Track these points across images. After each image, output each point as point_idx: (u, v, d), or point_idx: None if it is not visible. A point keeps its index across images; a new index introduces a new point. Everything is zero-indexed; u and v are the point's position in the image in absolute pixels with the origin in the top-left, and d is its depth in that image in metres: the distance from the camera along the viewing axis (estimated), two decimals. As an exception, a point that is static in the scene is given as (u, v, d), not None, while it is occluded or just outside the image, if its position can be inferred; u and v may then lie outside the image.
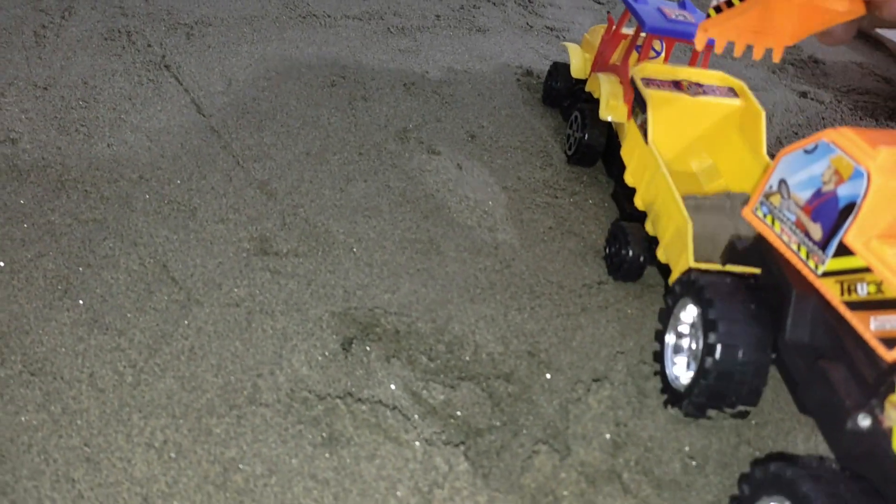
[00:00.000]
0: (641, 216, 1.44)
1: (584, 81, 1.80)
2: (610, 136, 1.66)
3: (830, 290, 0.90)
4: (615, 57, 1.71)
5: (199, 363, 1.08)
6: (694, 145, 1.57)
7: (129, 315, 1.14)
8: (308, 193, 1.46)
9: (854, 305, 0.88)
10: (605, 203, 1.61)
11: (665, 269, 1.34)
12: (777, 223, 0.99)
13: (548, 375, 1.18)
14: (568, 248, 1.46)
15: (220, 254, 1.28)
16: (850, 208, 0.87)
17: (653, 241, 1.38)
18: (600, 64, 1.75)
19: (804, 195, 0.94)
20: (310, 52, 1.96)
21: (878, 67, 2.58)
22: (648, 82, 1.52)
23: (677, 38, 1.56)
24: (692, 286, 1.09)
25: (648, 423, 1.11)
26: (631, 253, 1.37)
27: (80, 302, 1.14)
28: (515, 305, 1.30)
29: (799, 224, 0.95)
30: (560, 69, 1.88)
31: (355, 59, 1.97)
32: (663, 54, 1.72)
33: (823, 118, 2.16)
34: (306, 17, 2.13)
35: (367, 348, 1.17)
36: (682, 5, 1.65)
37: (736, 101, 1.51)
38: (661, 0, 1.66)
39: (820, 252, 0.91)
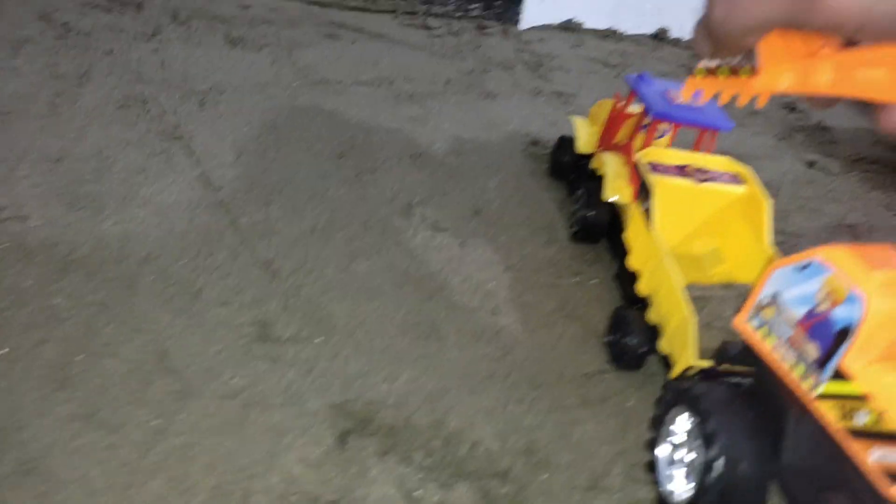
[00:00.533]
0: (645, 299, 1.43)
1: (589, 156, 1.80)
2: (614, 215, 1.66)
3: (828, 415, 0.89)
4: (621, 136, 1.72)
5: (192, 463, 1.08)
6: (698, 231, 1.56)
7: (125, 408, 1.14)
8: (312, 272, 1.47)
9: (854, 432, 0.86)
10: (608, 284, 1.60)
11: (667, 360, 1.33)
12: (771, 337, 0.98)
13: (545, 476, 1.16)
14: (569, 333, 1.46)
15: (221, 340, 1.29)
16: (846, 332, 0.86)
17: (655, 330, 1.37)
18: (606, 141, 1.75)
19: (798, 312, 0.93)
20: (320, 120, 1.99)
21: (888, 136, 2.57)
22: (654, 167, 1.52)
23: (683, 124, 1.57)
24: (685, 395, 1.08)
25: (645, 534, 1.09)
26: (633, 342, 1.36)
27: (78, 394, 1.15)
28: (515, 397, 1.29)
29: (794, 342, 0.93)
30: (567, 142, 1.88)
31: (364, 128, 1.99)
32: (669, 134, 1.72)
33: (831, 190, 2.15)
34: (318, 84, 2.16)
35: (363, 443, 1.17)
36: (689, 88, 1.65)
37: (741, 189, 1.51)
38: (666, 82, 1.67)
39: (816, 373, 0.90)
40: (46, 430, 1.08)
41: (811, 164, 2.25)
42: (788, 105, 2.59)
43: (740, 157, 2.20)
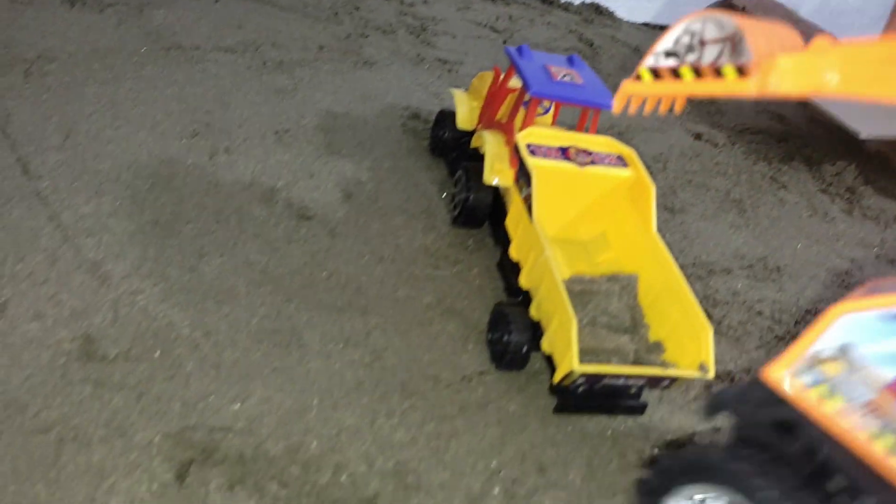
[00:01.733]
0: (528, 292, 1.32)
1: (471, 133, 1.67)
2: (497, 198, 1.54)
3: None
4: (502, 113, 1.59)
5: (-14, 521, 0.89)
6: (582, 215, 1.47)
7: None
8: (151, 275, 1.27)
9: None
10: (490, 273, 1.49)
11: (550, 361, 1.23)
12: (835, 399, 0.76)
13: (416, 500, 1.04)
14: (447, 331, 1.34)
15: (32, 363, 1.08)
16: None
17: (538, 327, 1.27)
18: (487, 117, 1.63)
19: (886, 372, 0.72)
20: (170, 93, 1.76)
21: (771, 104, 2.58)
22: (534, 150, 1.40)
23: (564, 103, 1.46)
24: (710, 469, 0.85)
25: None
26: (515, 340, 1.26)
27: None
28: (384, 410, 1.16)
29: (876, 407, 0.73)
30: (448, 117, 1.74)
31: (223, 102, 1.78)
32: (552, 111, 1.61)
33: (717, 163, 2.12)
34: (170, 50, 1.92)
35: (207, 476, 1.01)
36: (570, 61, 1.55)
37: (625, 172, 1.42)
38: (548, 55, 1.55)
39: None
40: None
41: (698, 137, 2.21)
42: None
43: (628, 129, 2.14)
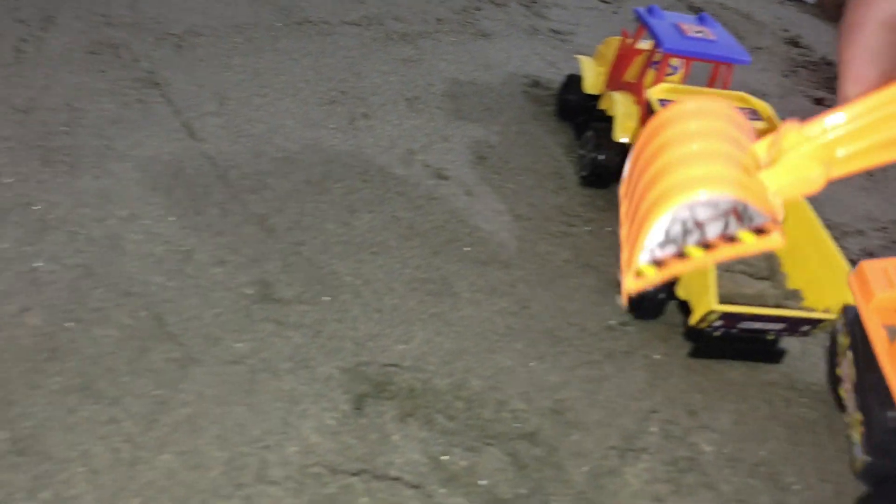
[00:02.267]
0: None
1: (598, 97, 1.71)
2: (625, 157, 1.57)
3: None
4: (630, 74, 1.62)
5: (201, 435, 1.00)
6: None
7: (122, 379, 1.05)
8: (310, 229, 1.37)
9: None
10: (622, 231, 1.53)
11: (685, 307, 1.26)
12: None
13: (575, 436, 1.10)
14: (587, 284, 1.39)
15: (220, 302, 1.19)
16: None
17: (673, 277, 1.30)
18: (615, 80, 1.66)
19: None
20: (306, 63, 1.86)
21: None
22: (666, 105, 1.43)
23: (696, 58, 1.47)
24: None
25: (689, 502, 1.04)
26: (651, 290, 1.29)
27: (69, 365, 1.05)
28: (535, 354, 1.23)
29: None
30: (575, 82, 1.78)
31: (354, 71, 1.86)
32: (681, 71, 1.63)
33: (840, 128, 2.08)
34: (302, 24, 2.02)
35: (381, 408, 1.09)
36: (701, 19, 1.56)
37: (759, 125, 1.43)
38: (677, 14, 1.57)
39: None
40: (39, 405, 0.99)
41: (819, 101, 2.18)
42: (791, 40, 2.50)
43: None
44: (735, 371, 1.27)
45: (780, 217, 0.35)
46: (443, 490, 1.01)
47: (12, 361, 1.05)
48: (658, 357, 1.26)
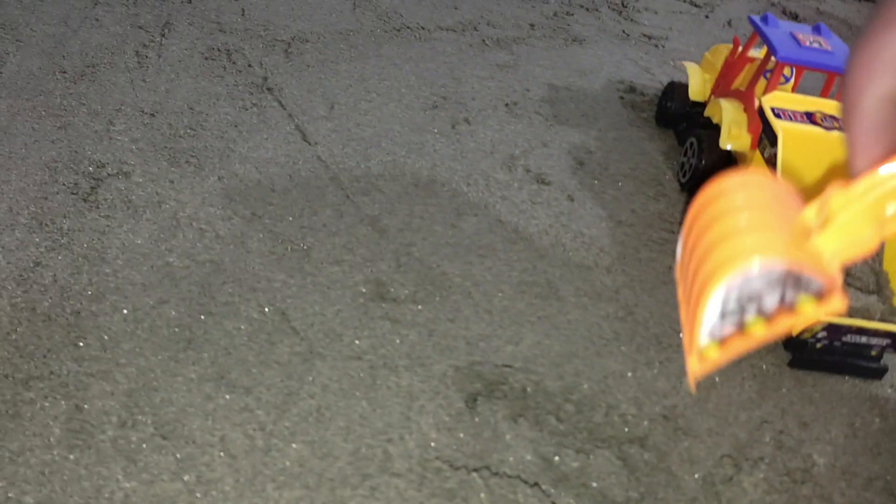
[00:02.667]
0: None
1: (702, 104, 1.70)
2: (729, 165, 1.56)
3: None
4: (739, 82, 1.61)
5: (328, 426, 1.05)
6: (826, 179, 1.46)
7: (253, 370, 1.11)
8: (420, 230, 1.42)
9: None
10: (725, 239, 1.52)
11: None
12: None
13: (686, 443, 1.11)
14: (692, 292, 1.39)
15: (338, 300, 1.25)
16: None
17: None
18: (722, 87, 1.65)
19: None
20: (408, 69, 1.91)
21: None
22: (779, 113, 1.42)
23: (812, 68, 1.46)
24: None
25: (802, 504, 1.04)
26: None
27: (205, 355, 1.12)
28: (643, 360, 1.24)
29: None
30: (676, 89, 1.78)
31: (454, 77, 1.91)
32: (792, 81, 1.61)
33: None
34: (401, 30, 2.08)
35: (494, 407, 1.13)
36: (817, 29, 1.54)
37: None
38: (793, 24, 1.55)
39: None
40: (180, 392, 1.06)
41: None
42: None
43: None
44: (845, 384, 1.26)
45: (839, 281, 0.35)
46: (554, 490, 1.03)
47: (152, 351, 1.12)
48: (766, 367, 1.26)
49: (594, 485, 1.05)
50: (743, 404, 1.18)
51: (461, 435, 1.08)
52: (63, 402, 1.02)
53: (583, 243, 1.46)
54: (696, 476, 1.06)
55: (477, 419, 1.11)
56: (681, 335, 1.29)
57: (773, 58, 1.48)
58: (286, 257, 1.31)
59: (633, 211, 1.56)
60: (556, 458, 1.07)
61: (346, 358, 1.16)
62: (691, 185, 1.60)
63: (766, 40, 1.48)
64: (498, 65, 2.00)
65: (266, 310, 1.21)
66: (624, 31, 2.31)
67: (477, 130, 1.72)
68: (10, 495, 0.92)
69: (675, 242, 1.49)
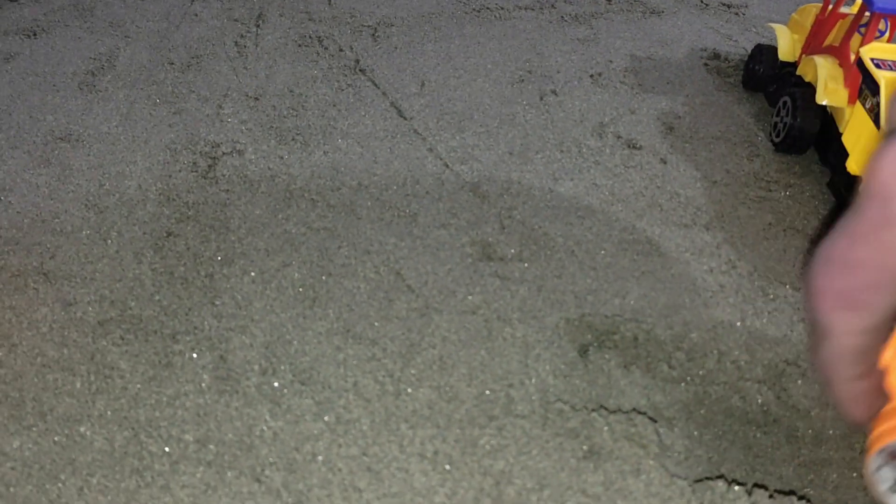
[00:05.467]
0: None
1: (792, 64, 1.70)
2: (824, 122, 1.56)
3: None
4: (832, 38, 1.60)
5: (451, 373, 1.10)
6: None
7: (375, 324, 1.17)
8: (519, 195, 1.46)
9: None
10: (822, 194, 1.52)
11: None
12: None
13: (801, 382, 1.13)
14: (794, 245, 1.39)
15: (448, 260, 1.30)
16: None
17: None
18: (813, 46, 1.64)
19: None
20: (491, 46, 1.95)
21: None
22: (879, 64, 1.41)
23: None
24: None
25: None
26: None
27: (330, 311, 1.19)
28: (751, 310, 1.25)
29: None
30: (764, 52, 1.78)
31: (537, 52, 1.94)
32: (887, 34, 1.59)
33: None
34: (481, 11, 2.12)
35: (606, 356, 1.16)
36: (912, -21, 1.51)
37: None
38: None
39: None
40: (311, 344, 1.13)
41: None
42: None
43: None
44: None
45: None
46: (675, 420, 1.06)
47: (282, 308, 1.20)
48: (878, 315, 1.25)
49: (717, 418, 1.07)
50: (856, 350, 1.19)
51: (576, 382, 1.11)
52: (208, 354, 1.11)
53: (679, 203, 1.48)
54: (813, 413, 1.08)
55: (590, 367, 1.14)
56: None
57: (867, 11, 1.47)
58: (394, 222, 1.37)
59: (727, 171, 1.57)
60: (671, 398, 1.10)
61: (461, 312, 1.21)
62: (786, 144, 1.60)
63: (861, -7, 1.47)
64: (579, 39, 2.03)
65: (381, 270, 1.27)
66: (702, 1, 2.30)
67: (564, 101, 1.75)
68: (172, 433, 1.00)
69: (772, 200, 1.50)
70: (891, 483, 0.57)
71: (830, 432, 1.05)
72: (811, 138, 1.57)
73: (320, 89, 1.73)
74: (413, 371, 1.10)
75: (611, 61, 1.92)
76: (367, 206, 1.41)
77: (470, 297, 1.23)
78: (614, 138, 1.64)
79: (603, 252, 1.34)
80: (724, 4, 2.28)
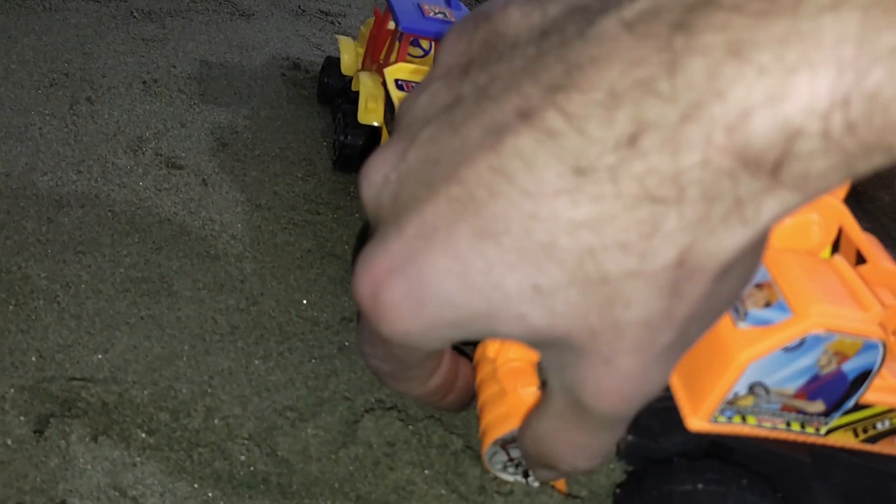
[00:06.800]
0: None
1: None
2: (373, 140, 1.52)
3: (840, 440, 0.86)
4: (383, 55, 1.57)
5: None
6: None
7: None
8: (3, 229, 1.20)
9: (873, 439, 0.85)
10: (372, 217, 1.48)
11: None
12: (750, 418, 0.86)
13: (311, 430, 1.03)
14: (327, 274, 1.32)
15: None
16: (864, 376, 0.79)
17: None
18: (369, 60, 1.60)
19: (794, 385, 0.82)
20: (25, 43, 1.64)
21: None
22: (402, 85, 1.39)
23: (434, 38, 1.45)
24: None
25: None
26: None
27: None
28: (260, 353, 1.14)
29: (788, 408, 0.84)
30: (333, 64, 1.71)
31: (84, 51, 1.68)
32: (431, 53, 1.60)
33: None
34: (24, 0, 1.79)
35: (67, 429, 0.96)
36: (447, 2, 1.54)
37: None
38: (425, -6, 1.54)
39: (822, 418, 0.83)
40: None
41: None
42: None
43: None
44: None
45: None
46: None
47: None
48: (394, 345, 1.22)
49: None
50: (362, 387, 1.13)
51: (19, 467, 0.90)
52: None
53: (212, 231, 1.33)
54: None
55: (42, 445, 0.93)
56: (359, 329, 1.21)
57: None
58: None
59: (276, 193, 1.46)
60: (135, 485, 0.93)
61: None
62: (340, 162, 1.54)
63: (391, 11, 1.45)
64: (144, 39, 1.80)
65: None
66: (300, 7, 2.21)
67: (100, 111, 1.51)
68: None
69: (317, 224, 1.42)
70: (501, 465, 0.71)
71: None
72: (360, 156, 1.53)
73: None
74: None
75: (174, 66, 1.73)
76: None
77: None
78: (153, 156, 1.44)
79: (96, 296, 1.14)
80: (321, 11, 2.21)
